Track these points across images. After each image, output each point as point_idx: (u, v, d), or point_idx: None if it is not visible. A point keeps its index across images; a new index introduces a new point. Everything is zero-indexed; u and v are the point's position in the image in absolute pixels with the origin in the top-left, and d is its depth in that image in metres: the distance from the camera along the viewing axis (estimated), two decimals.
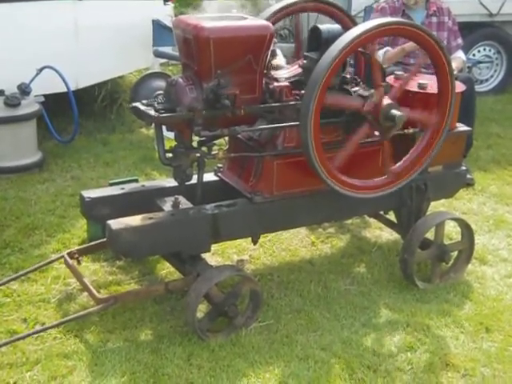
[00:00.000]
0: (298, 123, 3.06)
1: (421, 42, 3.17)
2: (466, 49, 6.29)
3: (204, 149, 3.18)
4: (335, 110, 3.23)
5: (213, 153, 3.17)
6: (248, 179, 3.28)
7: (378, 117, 3.15)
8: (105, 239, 3.12)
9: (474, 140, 5.25)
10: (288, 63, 3.52)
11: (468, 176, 4.35)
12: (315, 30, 3.28)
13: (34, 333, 2.99)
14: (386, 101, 3.16)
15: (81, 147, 5.34)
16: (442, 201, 4.26)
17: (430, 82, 3.48)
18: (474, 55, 7.20)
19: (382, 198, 3.34)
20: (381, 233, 4.16)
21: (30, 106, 4.83)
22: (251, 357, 2.96)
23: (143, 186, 3.45)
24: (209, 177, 3.46)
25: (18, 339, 2.94)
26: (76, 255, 3.36)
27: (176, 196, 3.20)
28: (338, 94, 3.22)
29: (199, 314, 3.08)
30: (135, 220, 2.98)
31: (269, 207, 3.23)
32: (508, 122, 6.46)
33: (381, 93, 3.16)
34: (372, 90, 3.21)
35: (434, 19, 4.87)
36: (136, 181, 3.71)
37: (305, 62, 3.29)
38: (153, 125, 3.18)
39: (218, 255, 3.77)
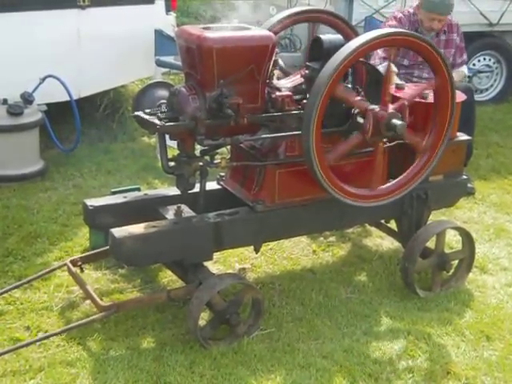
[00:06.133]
0: (300, 132, 3.09)
1: (422, 51, 3.19)
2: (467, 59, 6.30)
3: (206, 158, 3.20)
4: (337, 118, 3.25)
5: (215, 161, 3.19)
6: (250, 188, 3.30)
7: (380, 126, 3.16)
8: (107, 247, 3.14)
9: (474, 149, 5.26)
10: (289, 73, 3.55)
11: (469, 185, 4.36)
12: (317, 40, 3.31)
13: (37, 340, 3.00)
14: (388, 110, 3.17)
15: (83, 156, 5.35)
16: (443, 210, 4.27)
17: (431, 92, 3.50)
18: (474, 65, 7.20)
19: (383, 206, 3.35)
20: (382, 241, 4.17)
21: (32, 114, 4.84)
22: (253, 365, 2.97)
23: (146, 194, 3.47)
24: (211, 185, 3.47)
25: (21, 347, 2.95)
26: (79, 263, 3.38)
27: (179, 204, 3.22)
28: (348, 89, 3.21)
29: (201, 322, 3.09)
30: (138, 228, 3.00)
31: (271, 216, 3.25)
32: (507, 131, 6.48)
33: (387, 105, 3.17)
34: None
35: (443, 37, 4.76)
36: (138, 189, 3.73)
37: (307, 71, 3.31)
38: (156, 134, 3.20)
39: (220, 263, 3.78)
